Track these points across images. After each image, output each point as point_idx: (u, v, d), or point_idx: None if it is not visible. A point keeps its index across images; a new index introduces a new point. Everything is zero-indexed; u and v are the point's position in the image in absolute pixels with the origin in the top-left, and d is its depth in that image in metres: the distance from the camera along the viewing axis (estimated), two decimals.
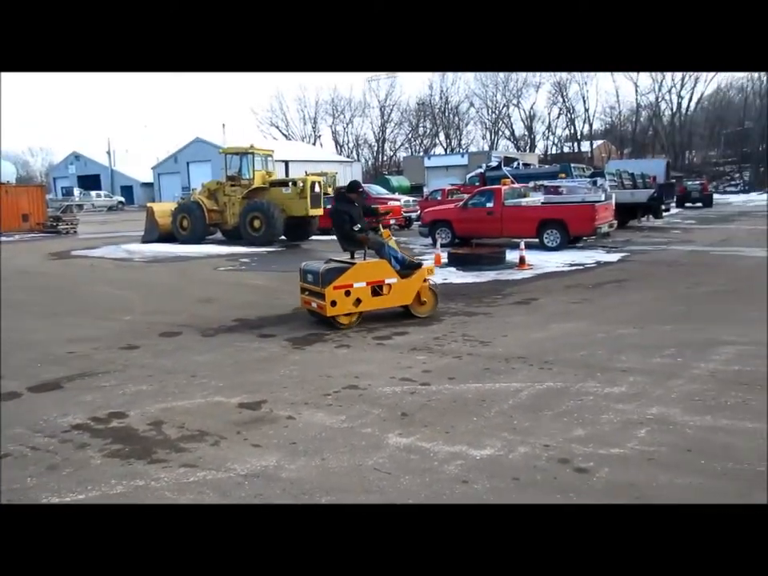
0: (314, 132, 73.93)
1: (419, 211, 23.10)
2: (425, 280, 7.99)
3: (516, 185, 18.05)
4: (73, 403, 5.04)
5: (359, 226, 7.84)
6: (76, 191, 52.74)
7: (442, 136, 72.95)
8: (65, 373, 5.90)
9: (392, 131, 73.37)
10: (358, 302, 7.56)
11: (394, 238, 8.33)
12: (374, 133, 73.88)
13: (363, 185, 30.06)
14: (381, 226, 8.36)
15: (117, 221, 34.77)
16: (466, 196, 19.36)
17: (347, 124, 73.49)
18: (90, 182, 59.49)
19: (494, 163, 29.91)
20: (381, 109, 71.64)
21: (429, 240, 17.21)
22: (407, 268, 7.97)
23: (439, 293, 8.37)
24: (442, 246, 15.12)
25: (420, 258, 14.71)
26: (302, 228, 19.12)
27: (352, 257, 7.99)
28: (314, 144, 70.76)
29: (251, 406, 4.88)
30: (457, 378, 5.41)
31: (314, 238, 19.68)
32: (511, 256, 13.08)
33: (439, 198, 25.52)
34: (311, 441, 4.14)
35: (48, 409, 4.91)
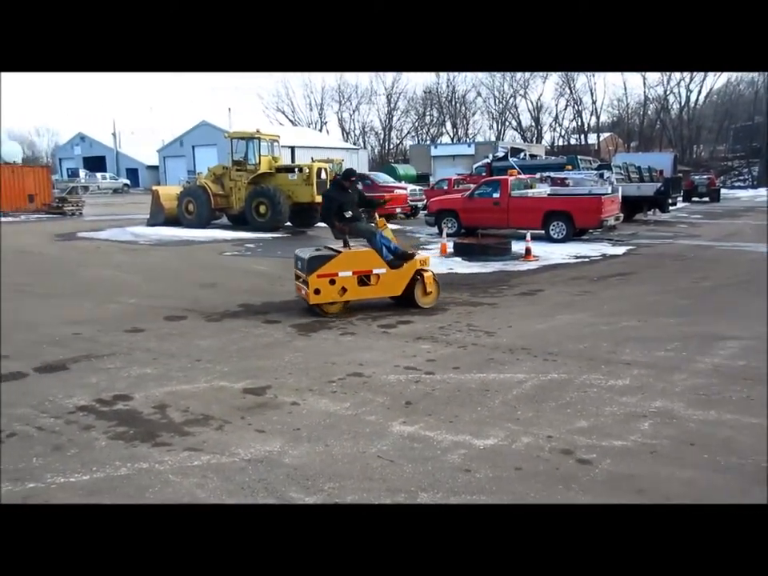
0: (321, 118, 73.71)
1: (425, 200, 23.06)
2: (425, 270, 7.82)
3: (522, 176, 17.98)
4: (78, 385, 5.06)
5: (350, 213, 7.70)
6: (81, 173, 52.65)
7: (448, 125, 72.65)
8: (70, 354, 5.93)
9: (398, 119, 73.09)
10: (344, 291, 7.45)
11: (389, 228, 8.17)
12: (380, 120, 73.67)
13: (370, 173, 30.01)
14: (377, 215, 8.21)
15: (122, 203, 34.75)
16: (472, 186, 19.30)
17: (353, 111, 73.23)
18: (95, 163, 59.34)
19: (500, 154, 29.79)
20: (387, 97, 71.33)
21: (435, 229, 17.18)
22: (400, 258, 7.78)
23: (440, 284, 8.23)
24: (448, 235, 15.08)
25: (425, 247, 14.74)
26: (307, 214, 19.09)
27: (345, 244, 7.78)
28: (320, 130, 70.47)
29: (255, 391, 4.89)
30: (461, 368, 5.42)
31: (319, 224, 19.63)
32: (517, 247, 13.05)
33: (445, 187, 25.46)
34: (315, 427, 4.16)
35: (53, 390, 4.93)
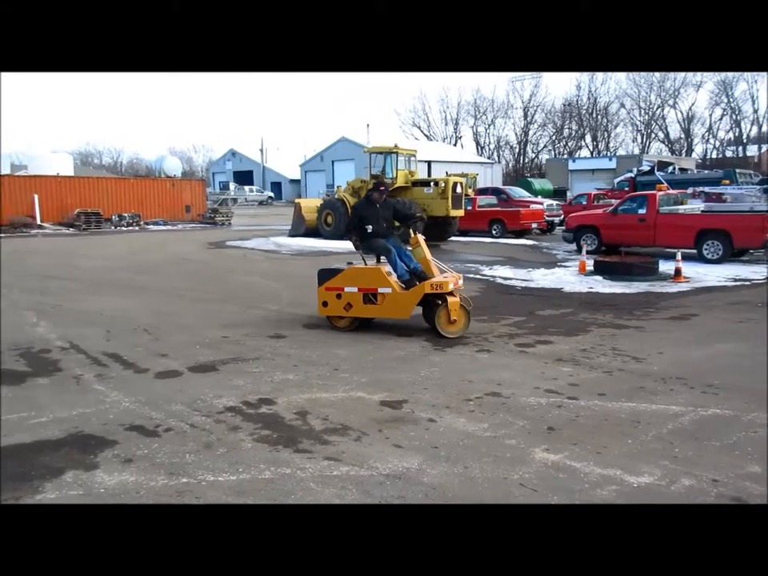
0: (455, 133, 73.78)
1: (563, 216, 22.30)
2: (451, 295, 7.02)
3: (672, 191, 16.80)
4: (226, 386, 5.33)
5: (371, 228, 7.38)
6: (231, 186, 56.69)
7: (588, 138, 69.87)
8: (219, 356, 6.28)
9: (535, 133, 71.42)
10: (350, 306, 7.26)
11: (424, 245, 7.47)
12: (515, 134, 72.37)
13: (505, 187, 29.54)
14: (411, 230, 7.57)
15: (266, 215, 36.89)
16: (614, 201, 18.36)
17: (489, 125, 72.58)
18: (244, 177, 63.70)
19: (645, 167, 28.22)
20: (524, 110, 69.97)
21: (572, 246, 16.53)
22: (417, 278, 7.16)
23: (471, 311, 7.29)
24: (588, 252, 14.39)
25: (563, 264, 14.19)
26: (441, 228, 19.10)
27: (378, 260, 7.57)
28: (454, 145, 70.63)
29: (392, 404, 4.87)
30: (607, 395, 5.06)
31: (453, 239, 19.59)
32: (665, 267, 12.17)
33: (584, 202, 24.46)
34: (453, 447, 4.04)
35: (205, 389, 5.22)
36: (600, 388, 5.26)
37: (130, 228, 26.69)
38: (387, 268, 7.35)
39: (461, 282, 7.46)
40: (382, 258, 7.63)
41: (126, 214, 27.57)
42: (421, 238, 7.47)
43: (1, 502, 3.32)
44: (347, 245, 17.92)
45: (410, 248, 7.53)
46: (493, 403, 4.89)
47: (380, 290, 7.19)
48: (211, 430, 4.34)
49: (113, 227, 26.52)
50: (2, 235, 22.64)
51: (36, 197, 25.92)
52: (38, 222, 25.59)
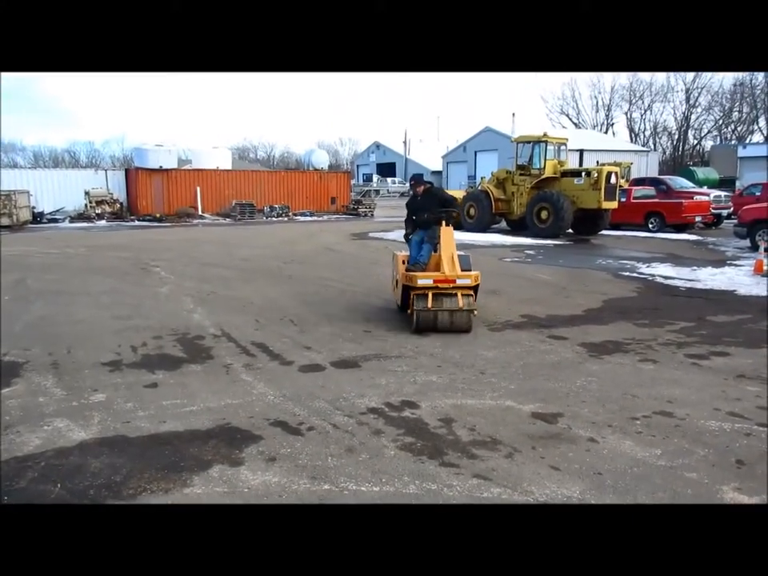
0: (607, 120, 69.56)
1: (732, 208, 20.15)
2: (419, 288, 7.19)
3: None
4: (369, 385, 5.17)
5: (414, 218, 7.94)
6: (374, 178, 57.75)
7: (761, 121, 62.77)
8: (361, 352, 6.16)
9: (698, 117, 65.39)
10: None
11: (445, 242, 7.23)
12: (675, 119, 66.76)
13: (665, 177, 27.25)
14: (444, 221, 7.47)
15: None
16: None
17: (645, 110, 67.59)
18: (387, 169, 64.60)
19: None
20: (686, 92, 64.29)
21: (745, 242, 14.81)
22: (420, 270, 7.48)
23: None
24: (766, 251, 12.74)
25: (734, 263, 12.70)
26: (592, 222, 17.98)
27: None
28: (605, 132, 66.65)
29: (545, 417, 4.44)
30: None
31: (604, 232, 18.35)
32: None
33: (758, 193, 21.87)
34: (620, 474, 3.55)
35: (347, 387, 5.10)
36: None
37: (280, 219, 27.95)
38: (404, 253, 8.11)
39: (463, 281, 7.14)
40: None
41: (276, 206, 28.94)
42: (447, 233, 7.37)
43: (1, 501, 3.33)
44: (490, 238, 17.55)
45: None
46: (664, 425, 4.29)
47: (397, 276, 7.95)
48: (353, 432, 4.18)
49: (264, 218, 27.94)
50: (167, 224, 24.66)
51: (198, 189, 27.96)
52: (199, 213, 27.59)
